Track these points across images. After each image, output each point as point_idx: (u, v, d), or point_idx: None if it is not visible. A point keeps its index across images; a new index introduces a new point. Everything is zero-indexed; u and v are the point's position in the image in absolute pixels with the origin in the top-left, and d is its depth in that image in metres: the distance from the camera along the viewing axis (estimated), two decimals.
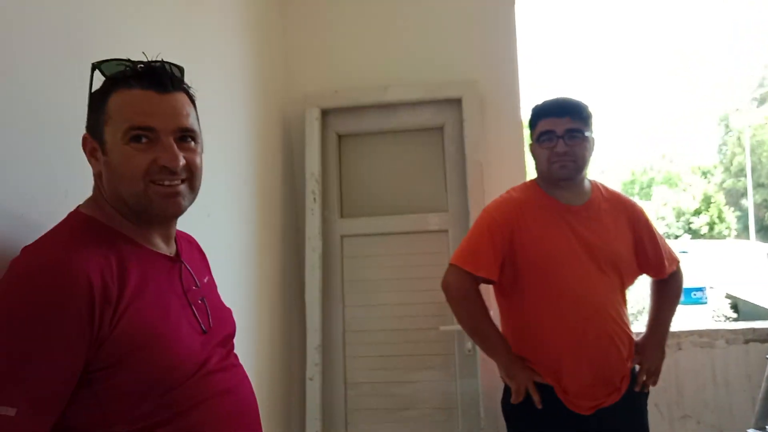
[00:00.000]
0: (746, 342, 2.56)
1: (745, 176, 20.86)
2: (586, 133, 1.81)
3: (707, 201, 23.45)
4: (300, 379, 2.49)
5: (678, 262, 1.95)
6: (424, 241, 2.56)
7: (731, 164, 23.56)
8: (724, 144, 24.52)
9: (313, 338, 2.45)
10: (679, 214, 23.25)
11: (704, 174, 25.44)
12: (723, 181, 24.11)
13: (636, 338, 1.89)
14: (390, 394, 2.48)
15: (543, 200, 1.86)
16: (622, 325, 1.82)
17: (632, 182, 26.19)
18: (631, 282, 1.91)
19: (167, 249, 1.02)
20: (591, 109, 1.85)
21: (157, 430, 0.87)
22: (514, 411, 1.83)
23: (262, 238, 2.31)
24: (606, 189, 1.93)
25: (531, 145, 1.89)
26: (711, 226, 22.70)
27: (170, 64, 0.99)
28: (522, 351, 1.82)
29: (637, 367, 1.88)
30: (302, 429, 2.43)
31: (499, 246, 1.80)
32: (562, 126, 1.78)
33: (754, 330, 2.56)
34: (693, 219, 23.04)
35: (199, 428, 0.89)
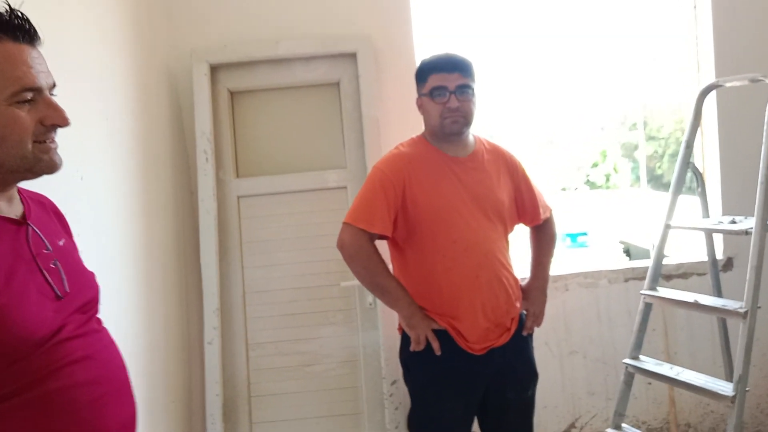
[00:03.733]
0: (626, 280, 2.76)
1: (638, 130, 22.22)
2: (474, 89, 1.85)
3: (604, 154, 24.86)
4: (200, 344, 2.44)
5: (551, 209, 2.07)
6: (323, 199, 2.54)
7: (625, 118, 25.01)
8: (620, 99, 25.92)
9: (211, 301, 2.40)
10: (579, 168, 24.52)
11: (602, 128, 26.87)
12: (618, 136, 25.59)
13: (521, 283, 2.00)
14: (294, 352, 2.49)
15: (431, 154, 1.89)
16: (510, 269, 1.92)
17: (538, 135, 27.20)
18: (512, 229, 2.02)
19: (10, 210, 0.95)
20: (475, 65, 1.90)
21: (11, 400, 0.82)
22: (412, 358, 1.90)
23: (149, 201, 2.21)
24: (487, 141, 2.00)
25: (419, 99, 1.91)
26: (607, 178, 24.14)
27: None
28: (419, 301, 1.87)
29: (525, 312, 1.99)
30: (203, 393, 2.40)
31: (392, 201, 1.82)
32: (453, 82, 1.82)
33: (632, 269, 2.76)
34: (591, 171, 24.39)
35: (56, 396, 0.85)
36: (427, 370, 1.88)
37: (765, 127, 1.82)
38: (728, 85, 2.07)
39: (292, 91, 2.60)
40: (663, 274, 2.70)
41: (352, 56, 2.51)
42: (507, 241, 1.98)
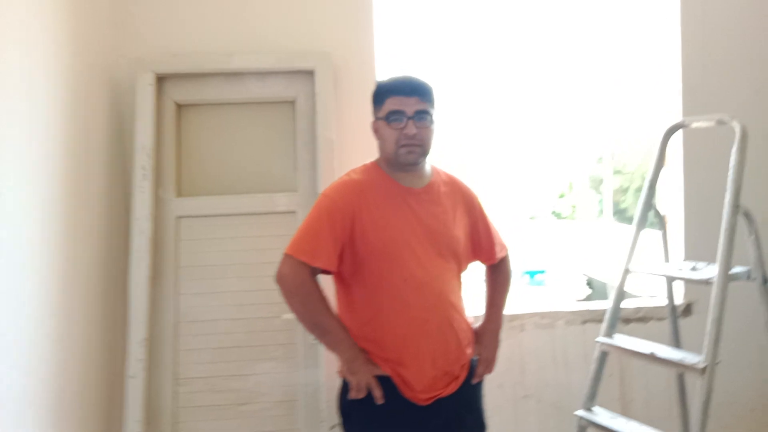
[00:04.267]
0: (584, 322, 2.66)
1: (604, 163, 22.64)
2: (433, 116, 1.73)
3: (571, 186, 25.26)
4: (123, 378, 2.23)
5: (507, 248, 1.95)
6: (270, 223, 2.38)
7: (594, 152, 25.46)
8: (588, 135, 26.44)
9: (137, 331, 2.20)
10: (546, 198, 24.83)
11: (570, 163, 27.33)
12: (586, 169, 26.05)
13: (473, 325, 1.87)
14: (227, 389, 2.29)
15: (385, 183, 1.76)
16: (461, 312, 1.79)
17: (508, 165, 27.54)
18: (466, 268, 1.89)
19: None
20: (436, 90, 1.77)
21: None
22: (351, 406, 1.74)
23: (75, 223, 2.02)
24: (444, 173, 1.88)
25: (375, 123, 1.78)
26: (573, 209, 24.51)
27: None
28: (362, 343, 1.72)
29: (476, 357, 1.85)
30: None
31: (339, 233, 1.67)
32: (412, 106, 1.69)
33: (591, 311, 2.66)
34: (557, 202, 24.74)
35: None
36: (367, 420, 1.72)
37: (730, 172, 1.75)
38: (694, 125, 2.00)
39: (244, 107, 2.44)
40: (621, 318, 2.62)
41: (310, 73, 2.38)
42: (460, 281, 1.85)
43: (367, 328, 1.72)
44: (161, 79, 2.36)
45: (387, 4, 2.56)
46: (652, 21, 2.67)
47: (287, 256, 1.68)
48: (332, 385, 2.13)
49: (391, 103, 1.70)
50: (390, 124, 1.70)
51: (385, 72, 2.46)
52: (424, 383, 1.70)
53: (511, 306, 2.70)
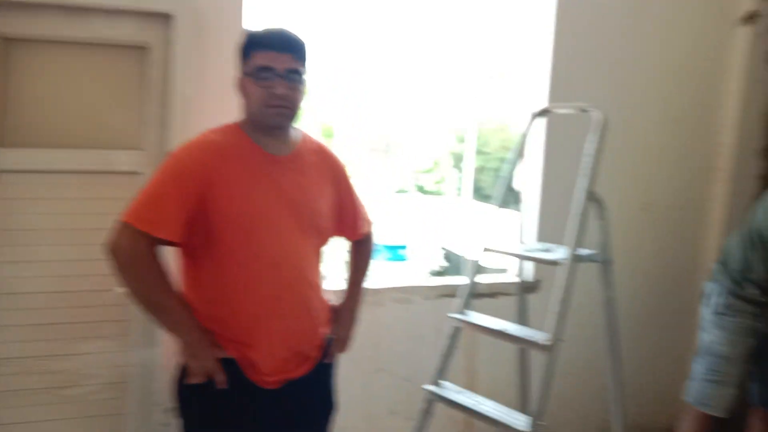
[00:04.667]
0: (439, 297, 2.69)
1: (468, 142, 23.73)
2: (305, 76, 1.57)
3: (436, 163, 26.24)
4: None
5: (371, 224, 1.88)
6: (107, 185, 2.09)
7: (458, 131, 26.59)
8: (455, 114, 27.51)
9: None
10: (414, 173, 25.57)
11: (437, 139, 28.33)
12: (451, 147, 27.16)
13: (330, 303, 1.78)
14: (46, 371, 2.01)
15: (246, 147, 1.57)
16: (318, 291, 1.68)
17: (377, 139, 27.90)
18: (327, 242, 1.78)
19: None
20: (309, 47, 1.61)
21: None
22: (191, 391, 1.57)
23: None
24: (312, 140, 1.73)
25: (240, 79, 1.58)
26: (438, 185, 25.51)
27: None
28: (209, 323, 1.55)
29: (331, 336, 1.77)
30: None
31: (188, 200, 1.47)
32: (284, 64, 1.51)
33: (447, 286, 2.70)
34: (423, 177, 25.59)
35: None
36: (208, 406, 1.57)
37: (586, 159, 1.81)
38: (558, 111, 2.05)
39: (87, 48, 2.09)
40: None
41: (167, 17, 2.10)
42: (320, 257, 1.73)
43: (213, 306, 1.56)
44: None
45: None
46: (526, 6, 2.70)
47: (124, 225, 1.45)
48: (170, 365, 1.95)
49: (260, 58, 1.51)
50: (257, 81, 1.52)
51: (258, 21, 2.23)
52: (273, 365, 1.58)
53: (372, 281, 2.69)
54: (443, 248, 11.24)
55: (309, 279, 1.64)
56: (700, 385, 2.20)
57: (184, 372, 1.57)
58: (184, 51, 2.10)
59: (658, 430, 2.97)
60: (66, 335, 2.04)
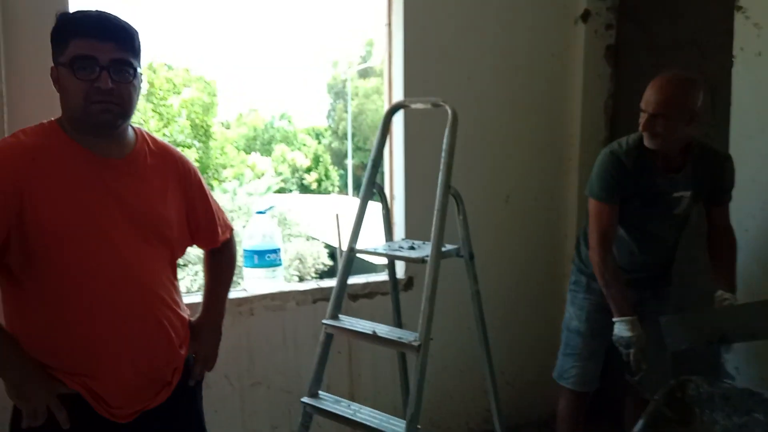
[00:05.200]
0: (314, 302, 2.59)
1: (347, 140, 23.91)
2: (138, 69, 1.39)
3: (317, 160, 26.17)
4: None
5: (232, 229, 1.74)
6: None
7: (338, 128, 26.70)
8: (333, 110, 27.60)
9: None
10: (294, 171, 25.35)
11: (317, 136, 28.27)
12: (331, 143, 27.21)
13: (190, 317, 1.62)
14: None
15: (68, 150, 1.38)
16: (173, 306, 1.52)
17: (254, 138, 27.28)
18: (182, 253, 1.62)
19: None
20: (141, 37, 1.43)
21: None
22: None
23: None
24: (154, 140, 1.56)
25: (54, 69, 1.36)
26: (319, 182, 25.46)
27: None
28: (43, 356, 1.35)
29: (193, 355, 1.62)
30: None
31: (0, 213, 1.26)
32: (107, 54, 1.32)
33: (321, 289, 2.60)
34: (305, 176, 25.43)
35: None
36: None
37: (442, 154, 1.79)
38: (413, 106, 2.02)
39: None
40: (350, 294, 2.62)
41: None
42: (173, 270, 1.57)
43: (45, 336, 1.36)
44: None
45: None
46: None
47: None
48: (5, 405, 1.69)
49: (78, 46, 1.32)
50: (77, 73, 1.32)
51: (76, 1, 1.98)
52: (123, 396, 1.41)
53: (239, 290, 2.53)
54: (327, 245, 11.18)
55: (159, 294, 1.47)
56: (559, 360, 2.30)
57: (18, 415, 1.36)
58: None
59: (540, 414, 3.08)
60: None
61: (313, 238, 11.50)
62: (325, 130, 28.27)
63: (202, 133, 19.29)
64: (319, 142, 27.67)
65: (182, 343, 1.55)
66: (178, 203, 1.56)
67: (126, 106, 1.39)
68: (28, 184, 1.30)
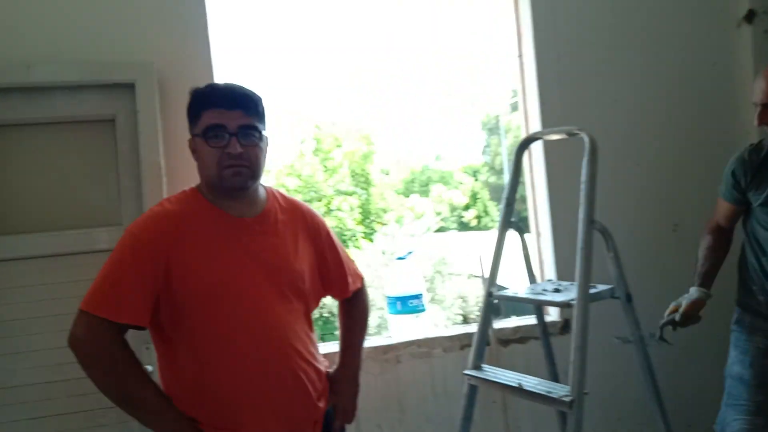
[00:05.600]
0: (462, 348, 2.48)
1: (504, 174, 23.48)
2: (263, 132, 1.46)
3: (475, 197, 26.00)
4: None
5: (362, 278, 1.72)
6: (90, 265, 1.95)
7: (494, 164, 26.37)
8: (488, 146, 27.39)
9: None
10: (452, 209, 25.41)
11: (473, 173, 28.20)
12: (488, 179, 26.93)
13: (328, 369, 1.62)
14: None
15: (207, 213, 1.46)
16: (310, 359, 1.51)
17: (412, 181, 27.97)
18: (316, 305, 1.63)
19: None
20: (265, 102, 1.51)
21: None
22: None
23: None
24: (283, 197, 1.61)
25: (191, 141, 1.48)
26: (479, 219, 25.19)
27: None
28: (191, 409, 1.41)
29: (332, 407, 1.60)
30: None
31: (147, 277, 1.36)
32: (235, 121, 1.40)
33: (468, 335, 2.49)
34: (463, 213, 25.35)
35: None
36: None
37: (582, 186, 1.61)
38: (547, 138, 1.87)
39: (53, 127, 2.06)
40: (500, 339, 2.47)
41: (130, 87, 2.05)
42: (309, 323, 1.58)
43: (194, 391, 1.42)
44: None
45: (221, 7, 2.28)
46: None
47: (82, 313, 1.34)
48: None
49: (209, 117, 1.41)
50: (209, 141, 1.41)
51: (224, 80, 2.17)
52: None
53: (385, 337, 2.51)
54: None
55: (296, 348, 1.48)
56: (721, 411, 1.98)
57: None
58: (147, 120, 2.04)
59: None
60: (66, 427, 1.94)
61: (475, 276, 11.30)
62: (482, 166, 28.09)
63: (362, 180, 20.26)
64: (476, 179, 27.53)
65: (320, 395, 1.54)
66: (310, 256, 1.57)
67: (254, 168, 1.44)
68: (174, 248, 1.39)
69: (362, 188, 20.05)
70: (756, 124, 1.78)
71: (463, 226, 25.44)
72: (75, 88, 2.03)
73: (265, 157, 1.50)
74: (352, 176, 19.81)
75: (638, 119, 2.53)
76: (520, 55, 2.50)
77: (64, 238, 2.01)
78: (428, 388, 2.46)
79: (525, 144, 1.91)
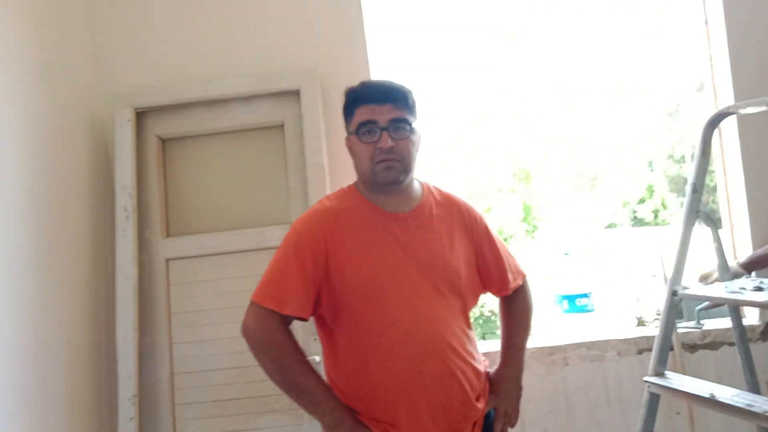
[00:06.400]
0: (639, 352, 2.26)
1: (686, 163, 21.26)
2: (414, 125, 1.45)
3: (651, 189, 23.85)
4: None
5: (524, 275, 1.62)
6: (264, 260, 2.09)
7: (673, 153, 24.01)
8: (666, 133, 24.99)
9: (127, 388, 2.03)
10: (625, 204, 23.58)
11: (648, 163, 25.91)
12: (666, 170, 24.57)
13: (489, 369, 1.56)
14: None
15: (363, 208, 1.48)
16: (467, 357, 1.46)
17: (577, 174, 26.49)
18: (475, 302, 1.57)
19: None
20: (415, 95, 1.49)
21: None
22: None
23: (54, 273, 1.90)
24: (439, 192, 1.57)
25: (347, 139, 1.51)
26: (656, 213, 23.07)
27: None
28: (351, 400, 1.44)
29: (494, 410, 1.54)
30: None
31: (311, 272, 1.41)
32: (386, 115, 1.41)
33: (647, 339, 2.25)
34: (638, 208, 23.40)
35: None
36: None
37: None
38: (742, 112, 1.60)
39: (230, 135, 2.27)
40: (686, 344, 2.20)
41: (296, 93, 2.17)
42: (466, 320, 1.53)
43: (353, 383, 1.44)
44: (141, 114, 2.22)
45: (378, 14, 2.32)
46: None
47: (252, 304, 1.43)
48: None
49: (361, 114, 1.43)
50: (362, 137, 1.43)
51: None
52: None
53: (550, 338, 2.36)
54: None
55: (453, 345, 1.43)
56: None
57: None
58: (311, 124, 2.13)
59: None
60: (243, 410, 2.10)
61: (653, 276, 10.36)
62: (660, 156, 25.70)
63: (523, 176, 19.65)
64: (652, 170, 25.25)
65: (479, 396, 1.47)
66: (466, 251, 1.52)
67: (406, 161, 1.43)
68: (333, 243, 1.42)
69: (524, 183, 19.47)
70: None
71: (638, 222, 23.50)
72: (248, 98, 2.20)
73: (417, 151, 1.48)
74: (513, 173, 19.33)
75: None
76: (706, 21, 2.20)
77: (241, 237, 2.19)
78: (600, 394, 2.27)
79: (716, 121, 1.65)
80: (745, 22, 2.12)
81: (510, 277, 1.58)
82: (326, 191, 2.10)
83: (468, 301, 1.53)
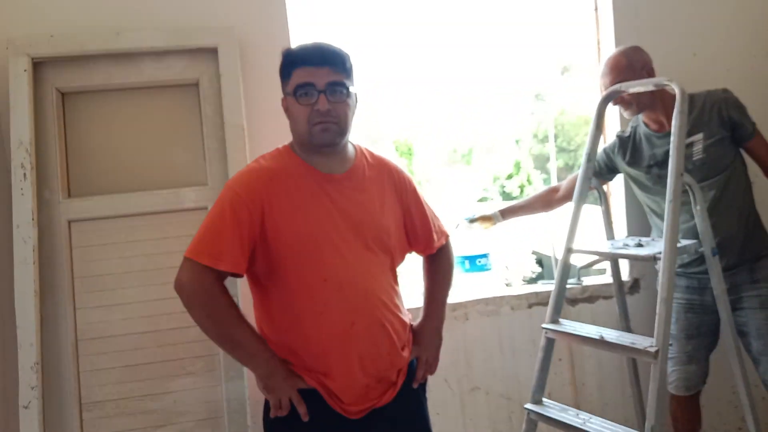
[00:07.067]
0: (530, 306, 2.52)
1: (549, 142, 22.99)
2: (351, 88, 1.50)
3: (518, 166, 25.59)
4: (16, 408, 1.94)
5: (447, 235, 1.76)
6: (178, 223, 2.11)
7: (538, 132, 25.85)
8: (533, 113, 26.82)
9: (28, 355, 1.91)
10: (495, 179, 25.11)
11: (516, 141, 27.69)
12: (531, 148, 26.42)
13: (412, 322, 1.68)
14: (141, 411, 2.03)
15: (298, 169, 1.52)
16: (395, 310, 1.58)
17: (454, 150, 27.71)
18: (402, 260, 1.68)
19: None
20: (353, 59, 1.54)
21: None
22: (275, 425, 1.53)
23: None
24: (371, 154, 1.66)
25: (284, 100, 1.54)
26: (521, 189, 24.83)
27: None
28: (283, 352, 1.51)
29: (416, 358, 1.67)
30: None
31: (246, 229, 1.44)
32: (323, 78, 1.45)
33: (536, 294, 2.52)
34: (506, 183, 25.03)
35: None
36: None
37: (672, 138, 1.60)
38: (631, 91, 1.84)
39: (140, 92, 2.16)
40: (568, 298, 2.49)
41: (213, 51, 2.12)
42: (394, 276, 1.64)
43: (286, 336, 1.51)
44: (39, 64, 2.05)
45: None
46: None
47: (186, 260, 1.44)
48: (259, 398, 1.92)
49: (298, 76, 1.47)
50: (299, 99, 1.46)
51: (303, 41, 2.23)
52: (354, 394, 1.51)
53: (453, 295, 2.55)
54: (534, 252, 10.82)
55: (382, 299, 1.54)
56: None
57: (268, 405, 1.53)
58: (230, 82, 2.10)
59: None
60: (156, 374, 2.06)
61: (519, 245, 11.23)
62: (532, 136, 27.55)
63: (405, 151, 20.21)
64: (519, 148, 27.05)
65: (404, 345, 1.60)
66: (396, 212, 1.62)
67: (342, 124, 1.49)
68: (268, 202, 1.46)
69: (405, 158, 20.02)
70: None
71: (506, 196, 25.18)
72: (161, 53, 2.10)
73: (353, 114, 1.54)
74: (396, 147, 19.79)
75: (721, 72, 2.46)
76: (596, 8, 2.46)
77: (153, 198, 2.11)
78: (495, 345, 2.51)
79: (609, 97, 1.89)
80: (632, 9, 2.41)
81: (435, 237, 1.71)
82: (246, 153, 2.09)
83: (396, 259, 1.64)
